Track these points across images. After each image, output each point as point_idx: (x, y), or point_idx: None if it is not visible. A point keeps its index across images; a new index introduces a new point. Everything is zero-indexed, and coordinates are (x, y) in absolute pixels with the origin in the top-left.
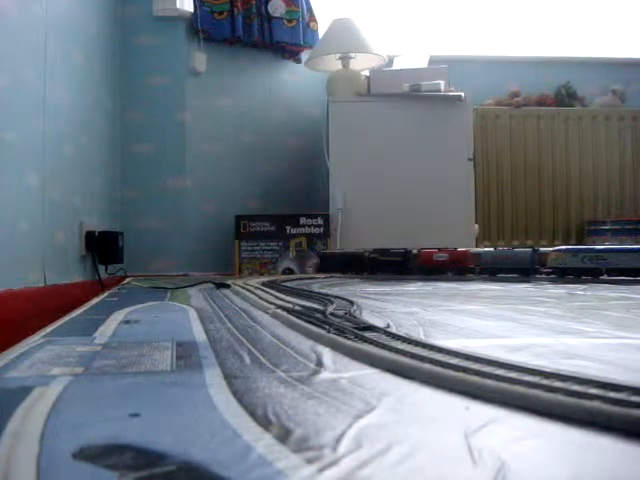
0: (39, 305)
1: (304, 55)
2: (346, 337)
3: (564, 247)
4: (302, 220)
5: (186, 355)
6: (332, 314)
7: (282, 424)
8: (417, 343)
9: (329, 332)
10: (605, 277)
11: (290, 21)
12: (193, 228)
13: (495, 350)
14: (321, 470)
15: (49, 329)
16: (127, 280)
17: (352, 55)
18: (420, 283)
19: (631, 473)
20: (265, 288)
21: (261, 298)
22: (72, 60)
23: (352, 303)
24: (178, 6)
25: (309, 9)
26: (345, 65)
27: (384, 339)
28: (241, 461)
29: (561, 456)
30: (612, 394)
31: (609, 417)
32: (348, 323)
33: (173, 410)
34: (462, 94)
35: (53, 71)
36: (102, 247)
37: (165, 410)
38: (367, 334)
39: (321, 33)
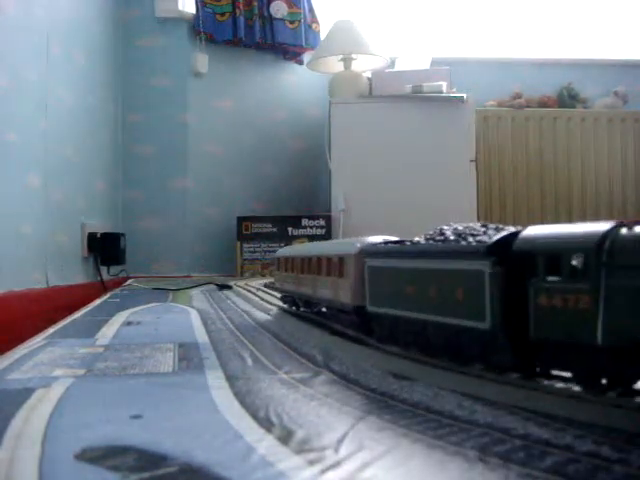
0: (41, 306)
1: (306, 56)
2: None
3: None
4: (304, 221)
5: (188, 357)
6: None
7: (284, 425)
8: None
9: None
10: None
11: (292, 22)
12: (195, 229)
13: None
14: (323, 471)
15: (51, 331)
16: (129, 281)
17: (354, 56)
18: None
19: None
20: (267, 289)
21: (263, 299)
22: (74, 61)
23: None
24: (180, 7)
25: (311, 10)
26: (347, 66)
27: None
28: (243, 462)
29: None
30: None
31: None
32: None
33: (175, 412)
34: (464, 95)
35: (55, 72)
36: (104, 248)
37: (167, 412)
38: None
39: (323, 34)
